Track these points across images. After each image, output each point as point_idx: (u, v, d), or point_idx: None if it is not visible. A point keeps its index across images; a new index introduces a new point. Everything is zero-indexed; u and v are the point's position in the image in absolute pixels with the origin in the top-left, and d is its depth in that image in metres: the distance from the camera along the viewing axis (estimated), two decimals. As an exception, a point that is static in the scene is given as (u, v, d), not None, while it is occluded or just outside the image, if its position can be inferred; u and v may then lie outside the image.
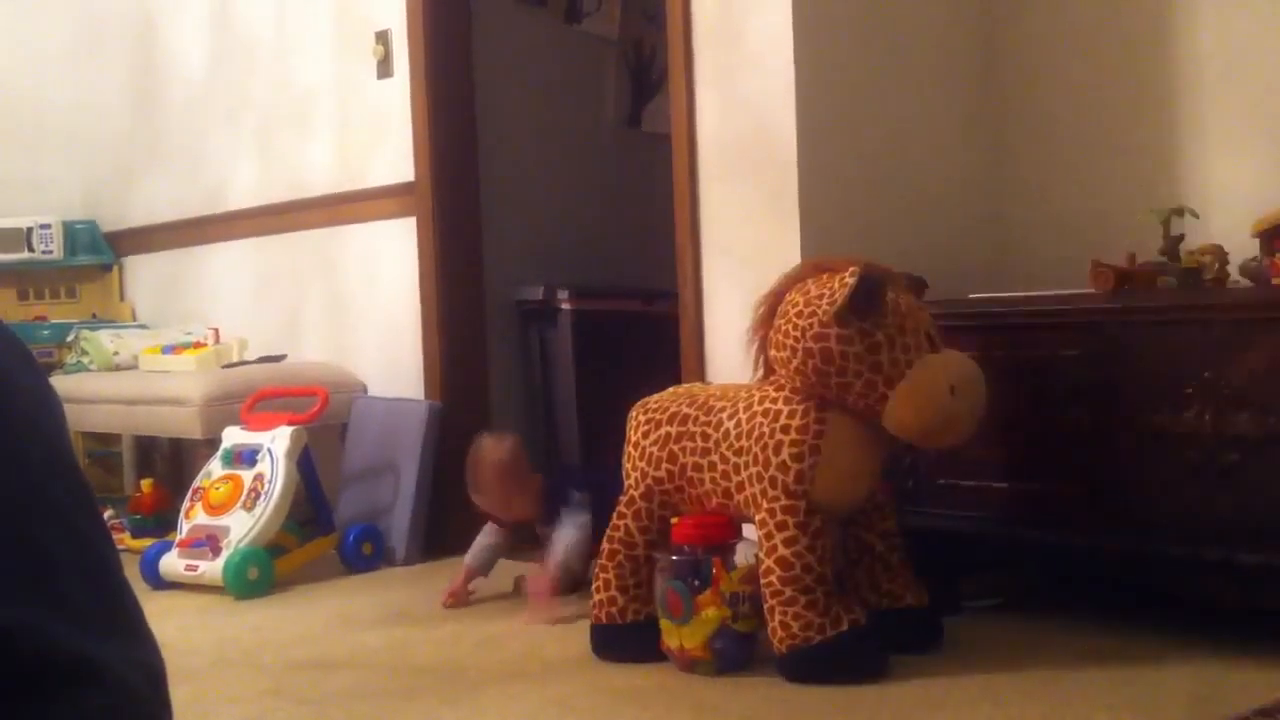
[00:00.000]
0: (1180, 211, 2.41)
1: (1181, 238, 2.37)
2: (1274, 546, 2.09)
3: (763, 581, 2.17)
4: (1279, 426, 2.07)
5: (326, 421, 3.44)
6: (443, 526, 3.42)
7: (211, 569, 3.07)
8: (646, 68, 4.21)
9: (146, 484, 3.76)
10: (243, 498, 3.17)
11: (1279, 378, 2.08)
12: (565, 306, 3.65)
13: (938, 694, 2.04)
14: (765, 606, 2.17)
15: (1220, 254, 2.32)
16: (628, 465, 2.40)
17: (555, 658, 2.39)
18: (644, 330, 3.52)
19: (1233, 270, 2.34)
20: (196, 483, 3.31)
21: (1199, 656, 2.15)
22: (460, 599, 2.84)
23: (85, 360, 4.17)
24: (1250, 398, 2.11)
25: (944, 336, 2.24)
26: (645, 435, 2.37)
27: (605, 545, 2.39)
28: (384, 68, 3.66)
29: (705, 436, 2.30)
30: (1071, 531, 2.34)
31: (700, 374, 2.85)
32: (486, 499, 2.88)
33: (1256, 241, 2.31)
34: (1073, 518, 2.34)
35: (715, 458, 2.28)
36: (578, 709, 2.09)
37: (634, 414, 2.42)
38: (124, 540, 3.56)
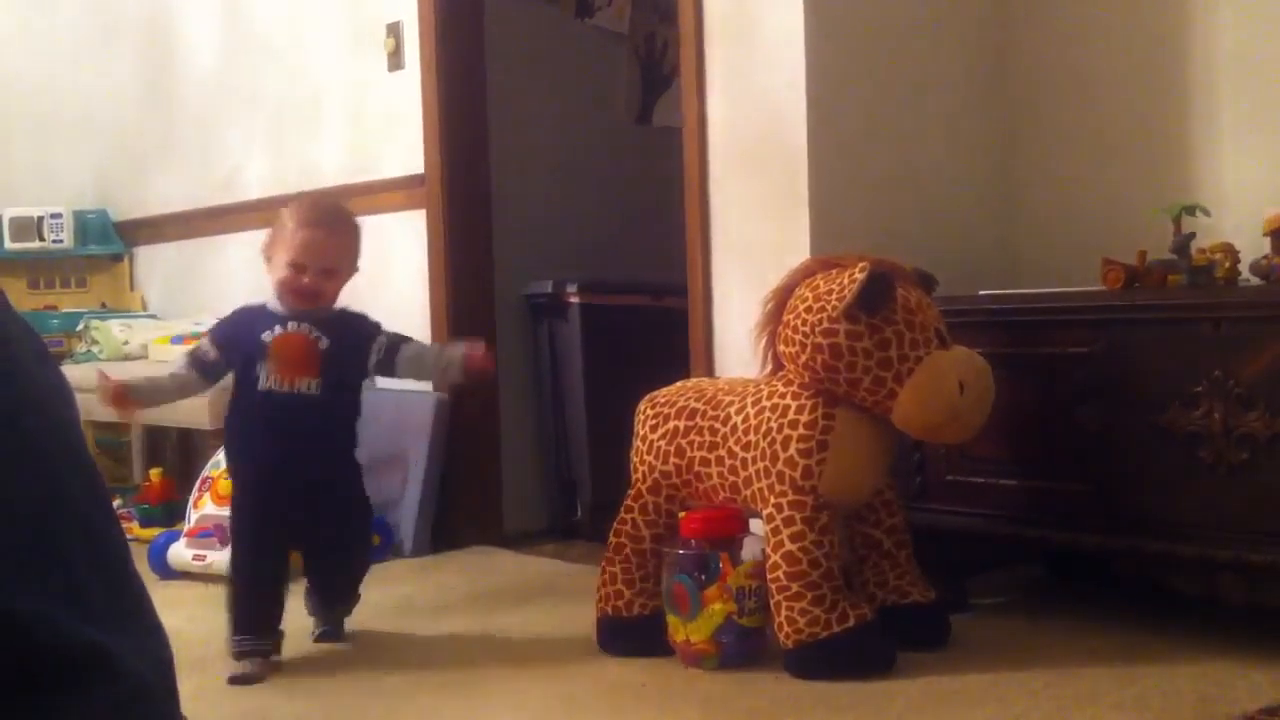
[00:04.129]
0: (1191, 209, 2.40)
1: (1192, 236, 2.36)
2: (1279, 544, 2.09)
3: (769, 576, 2.17)
4: (1287, 426, 2.07)
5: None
6: (451, 519, 3.43)
7: (219, 559, 3.07)
8: (658, 62, 4.20)
9: (155, 474, 3.77)
10: (251, 488, 3.17)
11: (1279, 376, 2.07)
12: (574, 301, 3.65)
13: (944, 691, 2.04)
14: (771, 601, 2.18)
15: (1231, 252, 2.31)
16: (635, 459, 2.40)
17: (561, 652, 2.39)
18: (653, 325, 3.52)
19: (1244, 269, 2.33)
20: (205, 472, 3.32)
21: (1207, 655, 2.15)
22: None
23: (95, 350, 4.18)
24: (1260, 396, 2.10)
25: (953, 333, 2.23)
26: (653, 429, 2.37)
27: (612, 539, 2.39)
28: (395, 60, 3.66)
29: (713, 431, 2.30)
30: (1079, 530, 2.34)
31: (709, 369, 2.85)
32: None
33: (1268, 240, 2.30)
34: (1081, 516, 2.33)
35: (723, 452, 2.28)
36: (583, 703, 2.09)
37: (642, 408, 2.42)
38: (132, 530, 3.57)
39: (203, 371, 2.40)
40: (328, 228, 2.42)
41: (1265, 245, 2.29)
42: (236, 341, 2.38)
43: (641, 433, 2.40)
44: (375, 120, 3.77)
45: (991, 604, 2.59)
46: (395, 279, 3.72)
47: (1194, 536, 2.18)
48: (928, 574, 2.32)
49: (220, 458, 3.30)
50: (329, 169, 3.92)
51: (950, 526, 2.50)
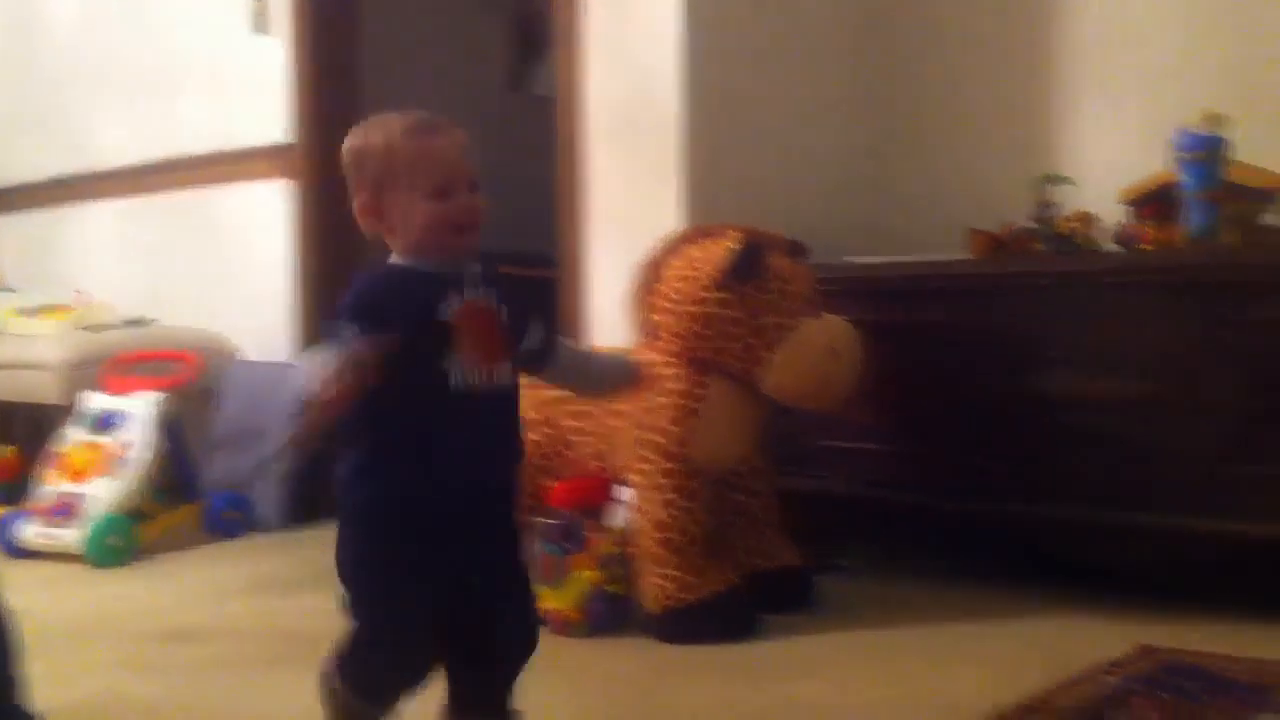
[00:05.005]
0: (1054, 179, 2.45)
1: (1056, 205, 2.41)
2: (1133, 506, 2.14)
3: (638, 542, 2.16)
4: (1139, 389, 2.12)
5: (197, 387, 3.33)
6: (314, 493, 3.34)
7: (71, 537, 2.95)
8: (534, 29, 4.15)
9: (6, 451, 3.61)
10: (104, 464, 3.05)
11: (1138, 341, 2.13)
12: (445, 272, 3.58)
13: (810, 652, 2.05)
14: (639, 567, 2.16)
15: (1091, 221, 2.36)
16: (504, 428, 2.36)
17: (427, 623, 2.34)
18: (525, 295, 3.47)
19: (1105, 237, 2.38)
20: (55, 448, 3.18)
21: (1061, 612, 2.20)
22: None
23: (-56, 324, 3.98)
24: (1112, 361, 2.15)
25: (824, 301, 2.24)
26: (522, 399, 2.33)
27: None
28: (260, 21, 3.54)
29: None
30: (941, 493, 2.37)
31: (581, 338, 2.82)
32: None
33: (1128, 209, 2.36)
34: (943, 480, 2.36)
35: (593, 421, 2.25)
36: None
37: (511, 376, 2.38)
38: (-21, 509, 3.40)
39: None
40: (450, 131, 1.55)
41: (1123, 214, 2.35)
42: (394, 322, 1.41)
43: (510, 400, 2.36)
44: (239, 86, 3.65)
45: (858, 566, 2.61)
46: (260, 250, 3.61)
47: (1050, 498, 2.22)
48: (797, 539, 2.32)
49: (72, 432, 3.17)
50: (191, 138, 3.79)
51: (817, 491, 2.51)
